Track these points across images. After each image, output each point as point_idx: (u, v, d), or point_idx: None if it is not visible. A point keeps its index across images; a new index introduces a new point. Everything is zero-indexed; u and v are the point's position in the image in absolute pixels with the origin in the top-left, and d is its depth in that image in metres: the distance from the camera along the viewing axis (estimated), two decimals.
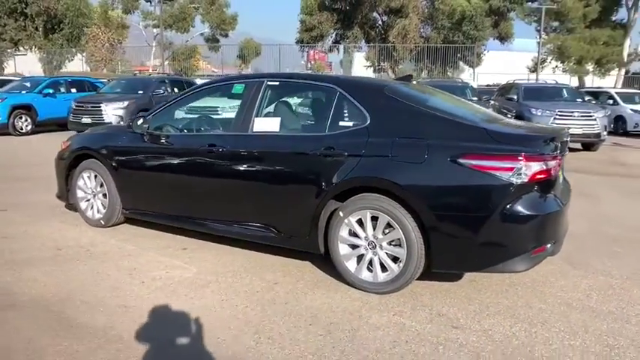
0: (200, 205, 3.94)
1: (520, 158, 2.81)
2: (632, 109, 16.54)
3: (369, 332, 2.74)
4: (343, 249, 3.32)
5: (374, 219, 3.17)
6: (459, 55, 26.42)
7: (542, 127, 3.68)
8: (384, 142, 3.12)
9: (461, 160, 2.89)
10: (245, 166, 3.65)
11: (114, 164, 4.36)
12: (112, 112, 11.79)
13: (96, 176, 4.60)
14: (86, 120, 11.72)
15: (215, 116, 4.54)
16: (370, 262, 3.24)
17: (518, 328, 2.80)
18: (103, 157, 4.45)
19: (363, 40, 27.62)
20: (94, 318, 2.88)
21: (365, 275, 3.26)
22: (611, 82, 30.21)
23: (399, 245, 3.11)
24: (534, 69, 30.36)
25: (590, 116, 11.06)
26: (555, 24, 29.76)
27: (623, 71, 29.24)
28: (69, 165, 4.77)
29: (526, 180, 2.81)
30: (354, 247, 3.30)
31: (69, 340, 2.62)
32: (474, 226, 2.87)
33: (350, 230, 3.28)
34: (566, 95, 13.20)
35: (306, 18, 25.48)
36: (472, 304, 3.11)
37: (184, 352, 2.56)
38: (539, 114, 11.15)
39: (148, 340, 2.64)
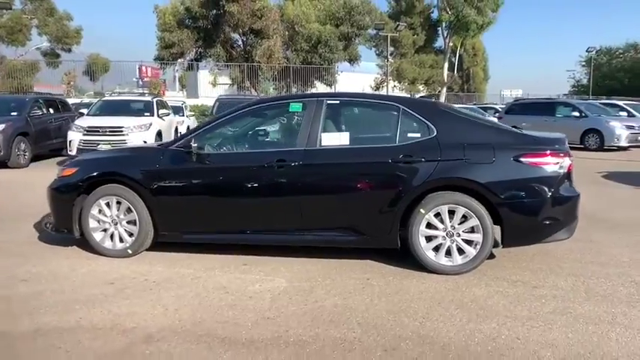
0: (270, 218, 4.08)
1: (562, 155, 3.80)
2: None
3: (486, 301, 3.39)
4: (423, 241, 3.89)
5: (450, 212, 3.83)
6: (316, 75, 28.42)
7: (549, 133, 4.70)
8: (455, 148, 3.82)
9: (522, 159, 3.75)
10: (322, 177, 3.97)
11: (153, 188, 4.16)
12: None
13: (119, 202, 4.30)
14: None
15: (269, 133, 4.62)
16: (446, 249, 3.88)
17: (571, 281, 3.75)
18: (135, 181, 4.21)
19: (212, 59, 27.55)
20: (255, 332, 2.94)
21: (444, 260, 3.88)
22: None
23: (473, 232, 3.82)
24: (377, 88, 34.32)
25: None
26: (391, 49, 34.06)
27: (444, 89, 34.90)
28: (79, 193, 4.35)
29: (565, 171, 3.81)
30: (430, 238, 3.90)
31: (262, 354, 2.69)
32: (536, 208, 3.76)
33: (428, 223, 3.88)
34: None
35: (165, 35, 24.59)
36: (525, 271, 3.98)
37: (389, 336, 2.84)
38: None
39: (337, 340, 2.86)
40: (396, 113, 4.05)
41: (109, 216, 4.34)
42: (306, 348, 2.75)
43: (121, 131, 10.52)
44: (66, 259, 4.37)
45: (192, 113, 18.31)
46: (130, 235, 4.33)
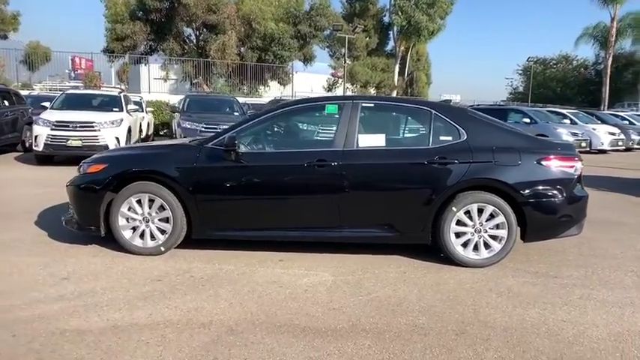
0: (309, 215, 4.23)
1: (576, 159, 4.26)
2: None
3: (519, 289, 3.76)
4: (453, 237, 4.21)
5: (479, 210, 4.18)
6: (270, 73, 28.40)
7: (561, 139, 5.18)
8: (485, 151, 4.17)
9: (543, 162, 4.17)
10: (360, 176, 4.17)
11: (190, 185, 4.18)
12: None
13: (152, 200, 4.28)
14: None
15: (307, 133, 4.73)
16: (473, 244, 4.23)
17: (582, 271, 4.22)
18: (171, 178, 4.21)
19: (165, 53, 26.73)
20: (330, 322, 3.11)
21: (471, 254, 4.23)
22: None
23: (498, 228, 4.19)
24: (329, 89, 34.84)
25: None
26: (345, 50, 34.66)
27: (394, 92, 35.99)
28: (108, 190, 4.27)
29: (578, 173, 4.28)
30: (459, 234, 4.23)
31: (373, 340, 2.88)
32: (555, 207, 4.18)
33: (457, 220, 4.20)
34: None
35: (117, 27, 23.53)
36: (539, 264, 4.41)
37: (452, 321, 3.10)
38: None
39: (409, 327, 3.09)
40: (428, 117, 4.34)
41: (140, 214, 4.30)
42: (385, 334, 2.96)
43: (93, 127, 10.08)
44: (94, 257, 4.28)
45: (152, 109, 17.70)
46: (162, 232, 4.32)
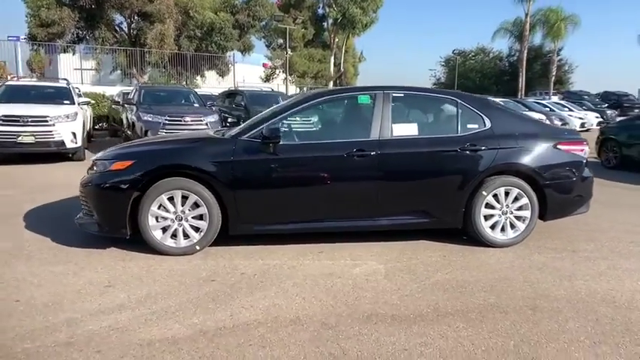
0: (348, 205, 4.24)
1: (585, 143, 4.65)
2: None
3: (553, 264, 4.07)
4: (482, 219, 4.44)
5: (505, 193, 4.44)
6: (208, 64, 27.53)
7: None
8: (509, 138, 4.42)
9: (559, 147, 4.51)
10: (397, 165, 4.26)
11: (228, 180, 4.03)
12: None
13: (185, 197, 4.07)
14: None
15: (341, 123, 4.66)
16: (501, 225, 4.49)
17: (593, 245, 4.64)
18: (207, 173, 4.03)
19: (97, 42, 24.98)
20: (412, 308, 3.18)
21: (499, 235, 4.49)
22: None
23: (521, 209, 4.48)
24: (267, 79, 34.48)
25: None
26: (281, 41, 34.41)
27: (331, 83, 36.38)
28: (137, 189, 4.00)
29: (587, 156, 4.67)
30: (487, 217, 4.47)
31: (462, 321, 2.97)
32: (570, 187, 4.55)
33: (486, 204, 4.43)
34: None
35: (41, 12, 21.49)
36: (554, 240, 4.77)
37: (519, 297, 3.28)
38: None
39: (486, 306, 3.24)
40: (454, 106, 4.52)
41: (173, 212, 4.08)
42: (470, 315, 3.09)
43: (47, 121, 9.24)
44: (122, 260, 4.00)
45: (93, 101, 16.47)
46: (196, 230, 4.13)
